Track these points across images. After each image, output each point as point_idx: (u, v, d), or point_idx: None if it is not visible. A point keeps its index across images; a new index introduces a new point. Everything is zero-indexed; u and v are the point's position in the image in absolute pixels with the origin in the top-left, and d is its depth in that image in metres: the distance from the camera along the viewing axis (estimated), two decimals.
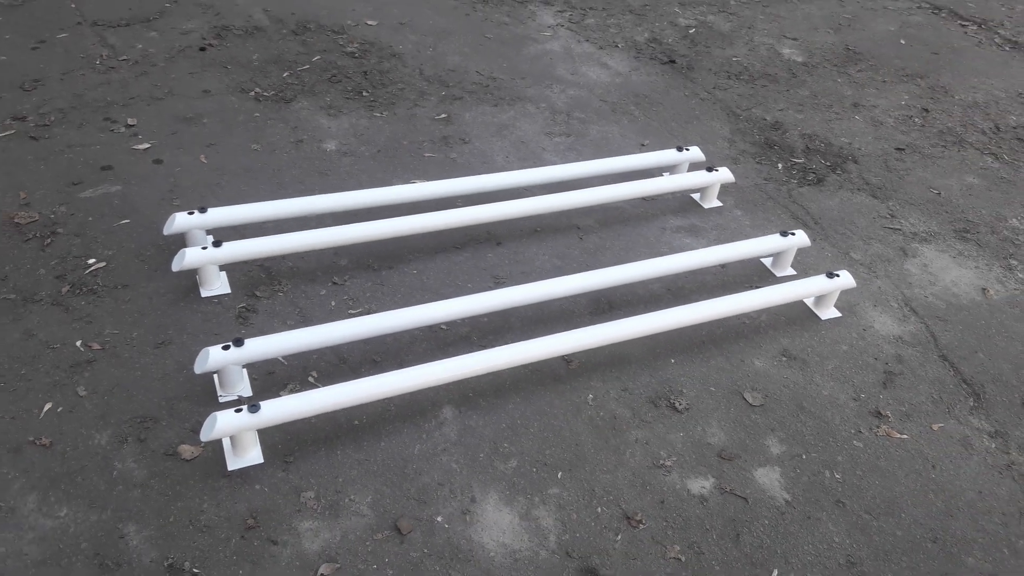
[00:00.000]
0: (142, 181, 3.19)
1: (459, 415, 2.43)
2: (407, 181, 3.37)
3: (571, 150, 3.71)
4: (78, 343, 2.51)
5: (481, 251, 3.05)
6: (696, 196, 3.51)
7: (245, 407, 2.17)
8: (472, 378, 2.50)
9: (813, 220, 3.46)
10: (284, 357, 2.54)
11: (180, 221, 2.77)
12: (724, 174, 3.41)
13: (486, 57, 4.39)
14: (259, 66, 4.06)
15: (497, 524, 2.17)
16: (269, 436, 2.31)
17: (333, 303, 2.76)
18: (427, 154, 3.56)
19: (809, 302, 3.00)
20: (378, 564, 2.05)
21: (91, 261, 2.80)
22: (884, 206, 3.60)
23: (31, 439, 2.23)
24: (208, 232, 2.91)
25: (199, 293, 2.74)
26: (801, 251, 3.23)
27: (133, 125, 3.52)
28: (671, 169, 3.59)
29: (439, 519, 2.17)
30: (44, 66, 3.85)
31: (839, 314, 2.98)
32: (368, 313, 2.73)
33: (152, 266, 2.80)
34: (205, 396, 2.39)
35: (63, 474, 2.16)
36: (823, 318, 2.96)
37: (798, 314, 2.96)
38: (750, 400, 2.60)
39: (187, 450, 2.24)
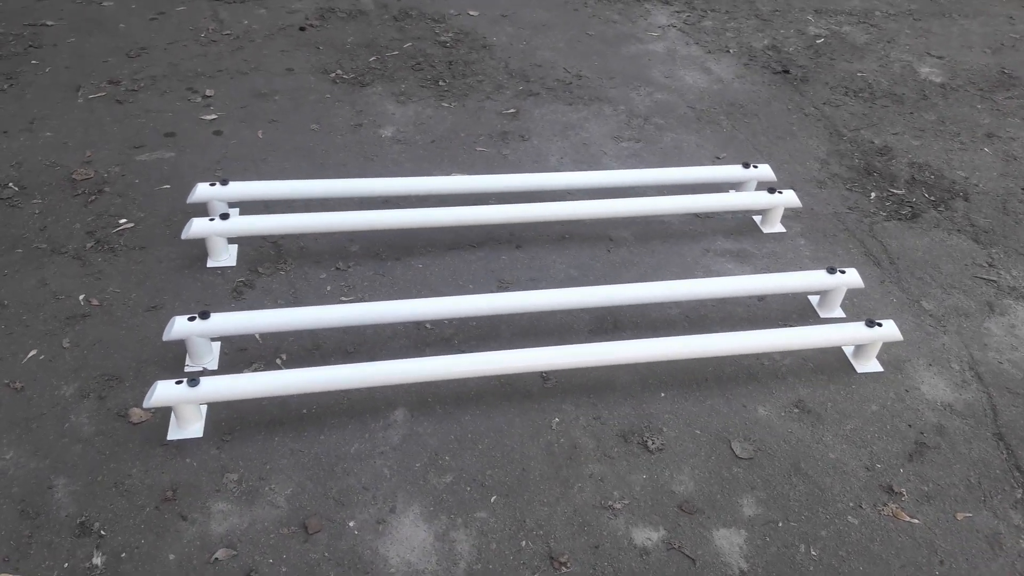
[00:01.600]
0: (197, 150, 3.32)
1: (410, 419, 2.33)
2: (448, 174, 3.29)
3: (635, 157, 3.49)
4: (81, 297, 2.63)
5: (496, 253, 2.92)
6: (758, 219, 3.19)
7: (185, 380, 2.17)
8: (434, 383, 2.38)
9: (889, 259, 3.05)
10: (260, 336, 2.54)
11: (201, 191, 2.84)
12: (788, 197, 3.07)
13: (579, 54, 4.23)
14: (350, 49, 4.12)
15: (409, 540, 2.05)
16: (217, 412, 2.31)
17: (329, 288, 2.74)
18: (480, 148, 3.46)
19: (848, 351, 2.64)
20: (275, 559, 2.00)
21: (122, 221, 2.94)
22: (984, 252, 3.12)
23: (6, 381, 2.35)
24: (231, 204, 2.97)
25: (206, 263, 2.79)
26: (859, 293, 2.85)
27: (210, 96, 3.67)
28: (736, 187, 3.28)
29: (351, 524, 2.08)
30: (154, 36, 4.10)
31: (880, 369, 2.60)
32: (360, 302, 2.68)
33: (174, 232, 2.89)
34: (175, 364, 2.43)
35: (22, 419, 2.26)
36: (859, 371, 2.60)
37: (830, 363, 2.61)
38: (737, 451, 2.32)
39: (137, 413, 2.28)
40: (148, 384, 2.36)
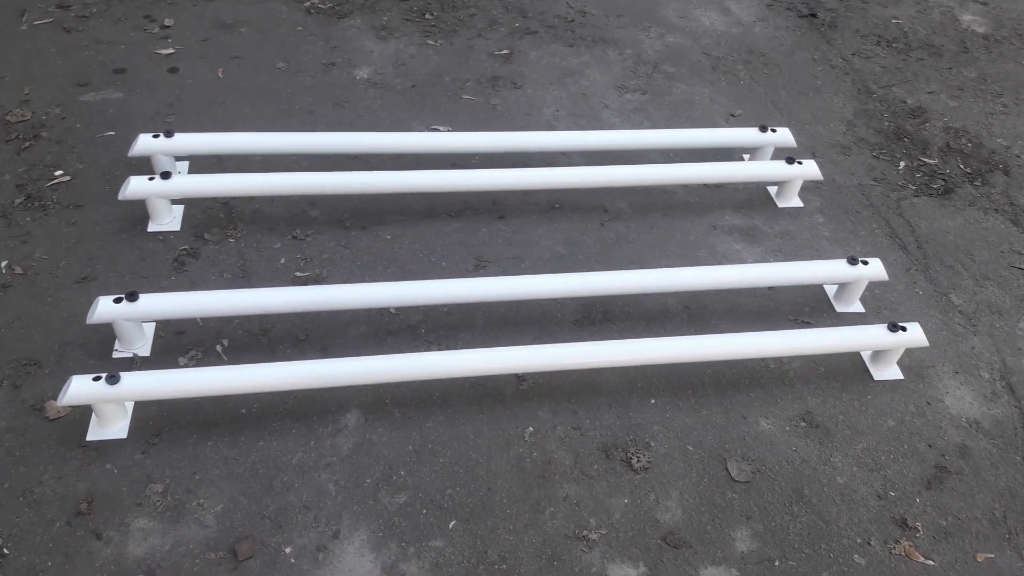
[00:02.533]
0: (148, 90, 2.96)
1: (363, 424, 2.05)
2: (428, 127, 2.93)
3: (639, 112, 3.12)
4: (3, 264, 2.32)
5: (476, 224, 2.60)
6: (773, 191, 2.84)
7: (104, 377, 1.89)
8: (398, 384, 2.10)
9: (917, 243, 2.71)
10: (201, 319, 2.24)
11: (143, 143, 2.51)
12: (808, 169, 2.72)
13: None
14: None
15: (352, 572, 1.80)
16: (146, 408, 2.04)
17: (283, 260, 2.43)
18: (466, 96, 3.09)
19: (866, 355, 2.34)
20: None
21: (58, 173, 2.62)
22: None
23: None
24: (179, 158, 2.63)
25: (147, 227, 2.47)
26: (881, 283, 2.52)
27: (168, 27, 3.29)
28: (752, 153, 2.92)
29: (287, 551, 1.82)
30: None
31: (900, 376, 2.30)
32: (317, 279, 2.38)
33: (114, 188, 2.56)
34: (102, 348, 2.15)
35: None
36: (877, 378, 2.30)
37: (844, 367, 2.31)
38: (733, 472, 2.04)
39: (54, 408, 2.01)
40: (69, 372, 2.07)
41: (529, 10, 3.63)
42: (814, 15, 3.82)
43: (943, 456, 2.14)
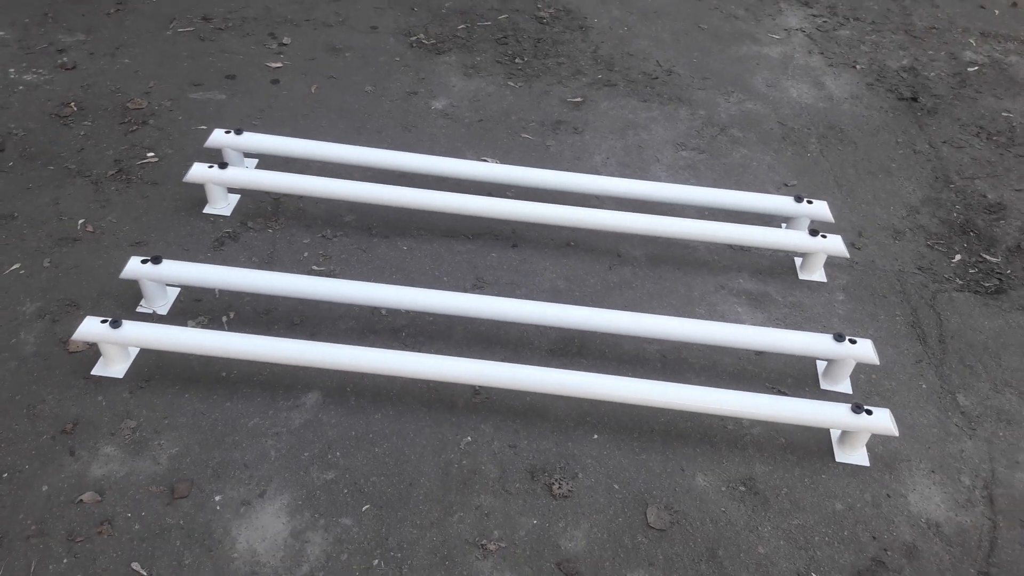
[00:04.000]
0: (248, 95, 3.37)
1: (320, 405, 2.25)
2: (479, 157, 3.14)
3: (689, 169, 3.18)
4: (80, 222, 2.74)
5: (488, 248, 2.76)
6: (799, 262, 2.81)
7: (109, 321, 2.21)
8: (359, 373, 2.28)
9: (940, 338, 2.59)
10: (218, 291, 2.54)
11: (215, 137, 2.87)
12: (831, 243, 2.68)
13: (681, 48, 3.90)
14: (443, 14, 4.03)
15: (264, 529, 1.99)
16: (147, 357, 2.34)
17: (306, 254, 2.70)
18: (525, 135, 3.28)
19: (834, 435, 2.28)
20: (132, 513, 2.00)
21: (150, 155, 3.04)
22: None
23: None
24: (249, 155, 2.98)
25: (203, 209, 2.83)
26: (880, 370, 2.45)
27: (285, 44, 3.71)
28: (787, 223, 2.91)
29: (217, 498, 2.04)
30: None
31: (866, 463, 2.22)
32: (329, 275, 2.62)
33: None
34: (130, 302, 2.49)
35: None
36: (839, 459, 2.23)
37: (807, 443, 2.26)
38: (651, 518, 2.06)
39: (75, 343, 2.35)
40: (99, 311, 2.41)
41: (617, 64, 3.77)
42: (915, 99, 3.71)
43: (885, 551, 2.05)
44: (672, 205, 2.88)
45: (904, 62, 3.95)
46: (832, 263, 2.82)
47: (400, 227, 2.81)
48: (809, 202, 2.82)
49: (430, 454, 2.17)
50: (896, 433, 2.15)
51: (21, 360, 2.31)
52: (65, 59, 3.49)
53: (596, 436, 2.24)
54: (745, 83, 3.70)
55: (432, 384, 2.31)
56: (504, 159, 3.13)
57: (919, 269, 2.84)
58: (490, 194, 2.87)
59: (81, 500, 2.02)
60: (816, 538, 2.05)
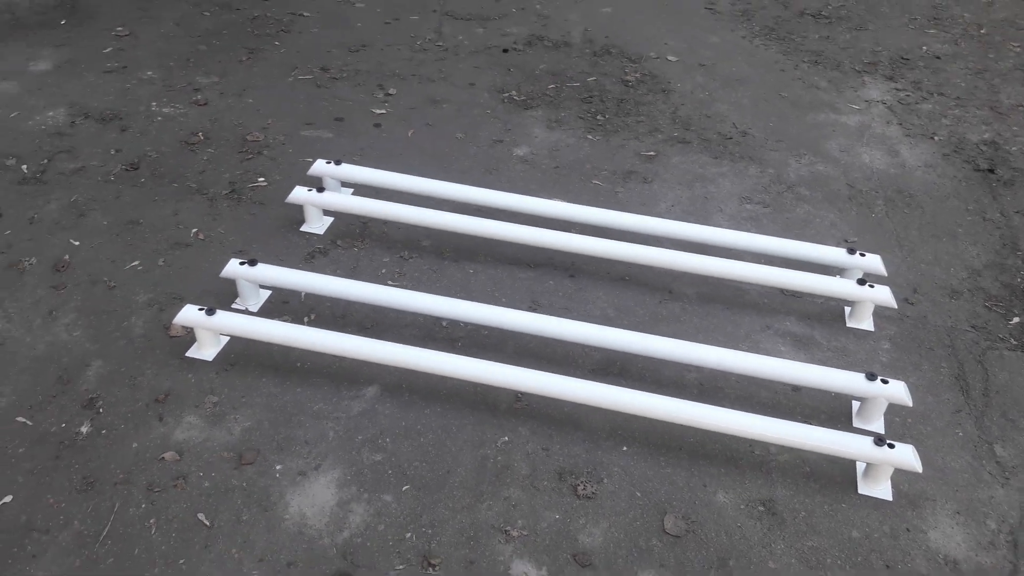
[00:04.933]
0: (352, 135, 3.76)
1: (377, 397, 2.50)
2: (549, 198, 3.40)
3: (751, 221, 3.34)
4: (194, 230, 3.14)
5: (546, 276, 2.99)
6: (848, 311, 2.91)
7: (205, 309, 2.55)
8: (417, 372, 2.51)
9: (984, 391, 2.63)
10: (305, 295, 2.85)
11: (317, 166, 3.25)
12: (879, 293, 2.78)
13: (759, 113, 4.09)
14: (537, 75, 4.37)
15: (314, 497, 2.23)
16: (236, 345, 2.66)
17: (384, 271, 3.00)
18: (596, 182, 3.53)
19: (860, 468, 2.36)
20: (204, 473, 2.28)
21: (260, 179, 3.44)
22: None
23: (106, 279, 2.90)
24: (346, 184, 3.34)
25: (300, 227, 3.18)
26: (918, 415, 2.52)
27: (391, 95, 4.11)
28: (840, 274, 3.02)
29: (278, 467, 2.31)
30: (379, 37, 4.67)
31: (888, 497, 2.28)
32: (401, 288, 2.90)
33: None
34: (227, 300, 2.83)
35: (100, 310, 2.78)
36: (861, 491, 2.30)
37: (832, 474, 2.35)
38: (667, 524, 2.20)
39: (176, 328, 2.70)
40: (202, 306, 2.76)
41: (694, 124, 3.99)
42: (992, 170, 3.76)
43: None
44: (727, 250, 3.03)
45: (986, 136, 4.00)
46: (883, 315, 2.89)
47: (469, 253, 3.07)
48: (862, 255, 2.92)
49: (469, 448, 2.37)
50: (919, 469, 2.21)
51: (129, 340, 2.67)
52: (199, 97, 3.99)
53: (625, 448, 2.39)
54: (818, 147, 3.84)
55: (479, 388, 2.52)
56: (574, 202, 3.37)
57: (972, 327, 2.88)
58: (552, 229, 3.09)
59: (163, 458, 2.31)
60: (828, 560, 2.13)
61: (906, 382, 2.58)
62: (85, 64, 4.24)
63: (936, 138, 3.97)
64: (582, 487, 2.27)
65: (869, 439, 2.23)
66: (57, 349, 2.63)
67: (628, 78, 4.36)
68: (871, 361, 2.70)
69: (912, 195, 3.55)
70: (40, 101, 3.91)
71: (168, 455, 2.32)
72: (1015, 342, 2.82)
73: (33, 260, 2.97)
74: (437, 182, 3.19)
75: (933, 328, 2.85)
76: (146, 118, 3.81)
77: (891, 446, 2.21)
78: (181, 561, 2.08)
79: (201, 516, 2.17)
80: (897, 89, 4.38)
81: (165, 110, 3.89)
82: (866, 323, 2.85)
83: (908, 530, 2.20)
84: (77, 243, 3.05)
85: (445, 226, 3.01)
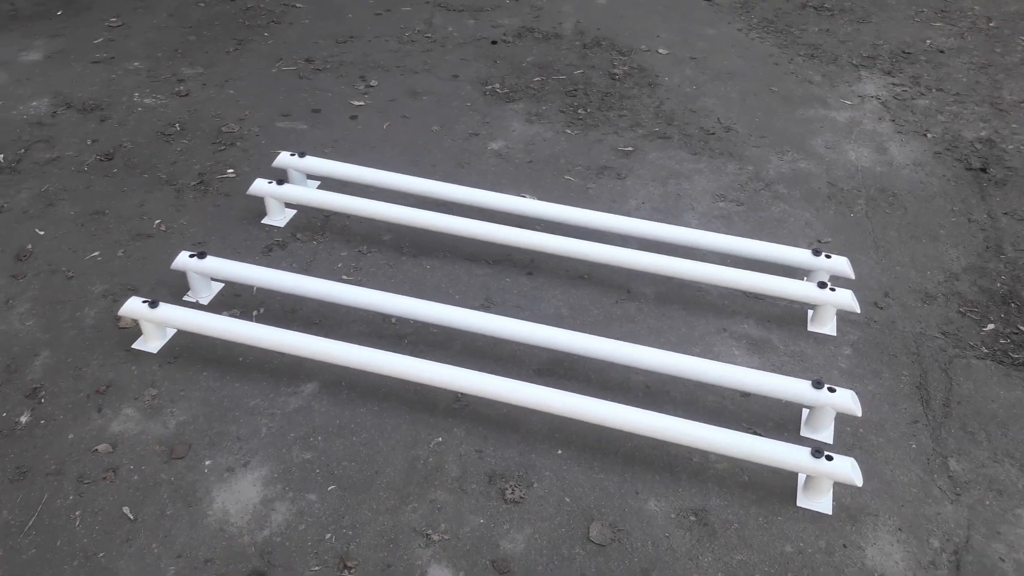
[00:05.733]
0: (327, 127, 3.74)
1: (315, 394, 2.49)
2: (519, 194, 3.35)
3: (722, 219, 3.26)
4: (157, 222, 3.15)
5: (504, 274, 2.94)
6: (811, 314, 2.83)
7: (148, 302, 2.55)
8: (356, 370, 2.48)
9: (944, 402, 2.54)
10: (257, 288, 2.84)
11: (282, 158, 3.23)
12: (841, 297, 2.69)
13: (746, 108, 3.99)
14: (523, 67, 4.31)
15: (239, 494, 2.22)
16: (182, 338, 2.66)
17: (340, 264, 2.98)
18: (568, 177, 3.47)
19: (801, 480, 2.28)
20: (134, 466, 2.28)
21: (229, 171, 3.44)
22: None
23: (65, 270, 2.92)
24: (310, 177, 3.33)
25: (262, 219, 3.18)
26: (871, 425, 2.43)
27: (372, 86, 4.09)
28: (807, 275, 2.93)
29: (207, 463, 2.30)
30: (368, 28, 4.65)
31: (828, 511, 2.21)
32: (355, 284, 2.88)
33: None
34: (180, 292, 2.83)
35: (55, 300, 2.80)
36: (799, 504, 2.23)
37: (771, 484, 2.28)
38: (593, 533, 2.15)
39: (125, 320, 2.71)
40: (156, 298, 2.76)
41: (678, 119, 3.90)
42: (984, 169, 3.63)
43: None
44: (691, 249, 2.95)
45: (982, 133, 3.86)
46: (849, 320, 2.81)
47: (428, 248, 3.04)
48: (828, 256, 2.83)
49: (401, 448, 2.34)
50: (859, 483, 2.14)
51: (80, 330, 2.68)
52: (181, 88, 4.00)
53: (560, 451, 2.34)
54: (803, 144, 3.74)
55: (418, 387, 2.49)
56: (543, 197, 3.31)
57: (943, 334, 2.78)
58: (517, 226, 3.03)
59: (96, 450, 2.32)
60: (757, 575, 2.06)
61: (864, 390, 2.51)
62: (75, 54, 4.27)
63: (929, 135, 3.84)
64: (511, 491, 2.23)
65: (807, 451, 2.15)
66: (8, 338, 2.65)
67: (616, 71, 4.29)
68: (829, 367, 2.62)
69: (896, 194, 3.44)
70: (26, 91, 3.95)
71: (102, 447, 2.32)
72: (986, 350, 2.72)
73: None
74: (401, 176, 3.16)
75: (900, 334, 2.76)
76: (127, 109, 3.83)
77: (829, 458, 2.13)
78: (101, 555, 2.07)
79: (126, 510, 2.17)
80: (894, 84, 4.24)
81: (147, 100, 3.90)
82: (828, 327, 2.76)
83: (845, 546, 2.13)
84: (42, 232, 3.08)
85: (404, 221, 2.98)
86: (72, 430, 2.37)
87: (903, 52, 4.54)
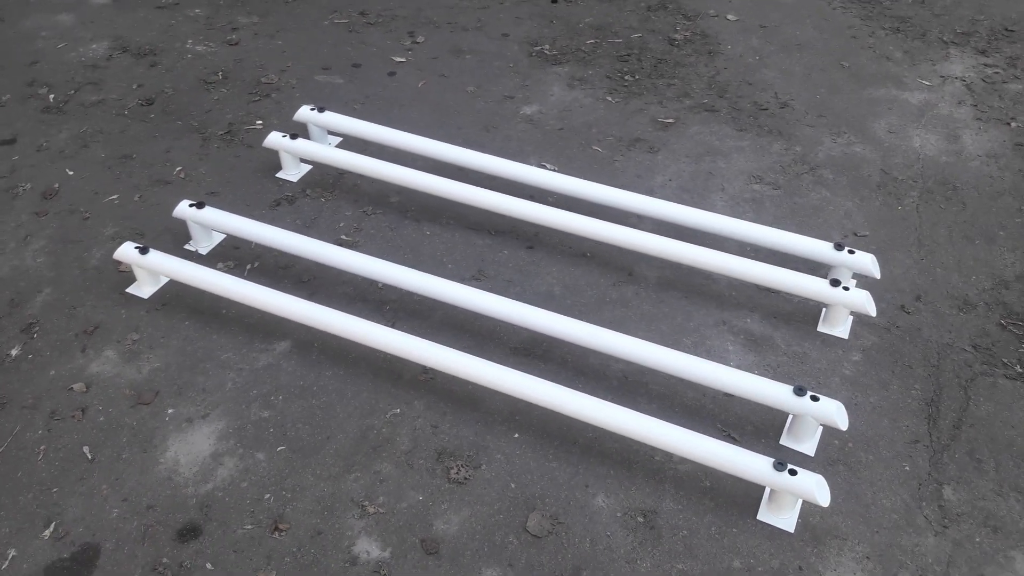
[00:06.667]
0: (362, 83, 3.71)
1: (286, 353, 2.48)
2: (540, 164, 3.23)
3: (753, 203, 3.04)
4: (178, 169, 3.20)
5: (504, 246, 2.84)
6: (824, 313, 2.61)
7: (139, 248, 2.60)
8: (329, 334, 2.45)
9: (955, 422, 2.30)
10: (255, 243, 2.85)
11: (301, 112, 3.22)
12: (855, 298, 2.46)
13: (809, 84, 3.70)
14: (579, 29, 4.14)
15: (192, 445, 2.25)
16: (175, 287, 2.70)
17: (343, 224, 2.95)
18: (596, 147, 3.32)
19: (766, 492, 2.12)
20: (103, 408, 2.34)
21: (258, 122, 3.46)
22: None
23: (83, 211, 3.01)
24: (330, 133, 3.30)
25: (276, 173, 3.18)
26: (860, 439, 2.23)
27: (418, 43, 4.02)
28: (829, 271, 2.71)
29: (170, 411, 2.34)
30: None
31: (790, 529, 2.04)
32: (351, 246, 2.85)
33: None
34: (182, 240, 2.87)
35: (69, 240, 2.90)
36: (759, 518, 2.07)
37: (734, 494, 2.12)
38: (531, 523, 2.06)
39: (125, 265, 2.77)
40: (157, 244, 2.82)
41: (731, 92, 3.66)
42: None
43: None
44: (701, 233, 2.76)
45: None
46: (869, 323, 2.57)
47: (433, 214, 2.97)
48: (851, 251, 2.59)
49: (357, 416, 2.30)
50: (823, 503, 1.96)
51: (83, 270, 2.76)
52: (233, 36, 4.04)
53: (517, 436, 2.25)
54: (863, 126, 3.43)
55: (388, 356, 2.43)
56: (566, 168, 3.18)
57: (973, 347, 2.51)
58: (531, 198, 2.91)
59: (72, 388, 2.39)
60: None
61: (864, 401, 2.31)
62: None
63: (1014, 124, 3.45)
64: (456, 471, 2.16)
65: (769, 461, 1.98)
66: (19, 273, 2.75)
67: (676, 36, 4.05)
68: (830, 373, 2.41)
69: (957, 188, 3.11)
70: (88, 33, 4.08)
71: (77, 386, 2.39)
72: (1020, 370, 2.43)
73: (28, 186, 3.12)
74: (415, 137, 3.09)
75: (923, 343, 2.50)
76: (178, 55, 3.90)
77: (793, 472, 1.96)
78: (55, 490, 2.14)
79: (86, 449, 2.23)
80: (986, 65, 3.84)
81: (198, 48, 3.96)
82: (840, 330, 2.54)
83: (800, 568, 1.95)
84: (71, 173, 3.18)
85: (409, 183, 2.91)
86: (55, 367, 2.44)
87: (1005, 30, 4.09)
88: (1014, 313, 2.62)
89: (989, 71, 3.80)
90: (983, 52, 3.93)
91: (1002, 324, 2.58)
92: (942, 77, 3.76)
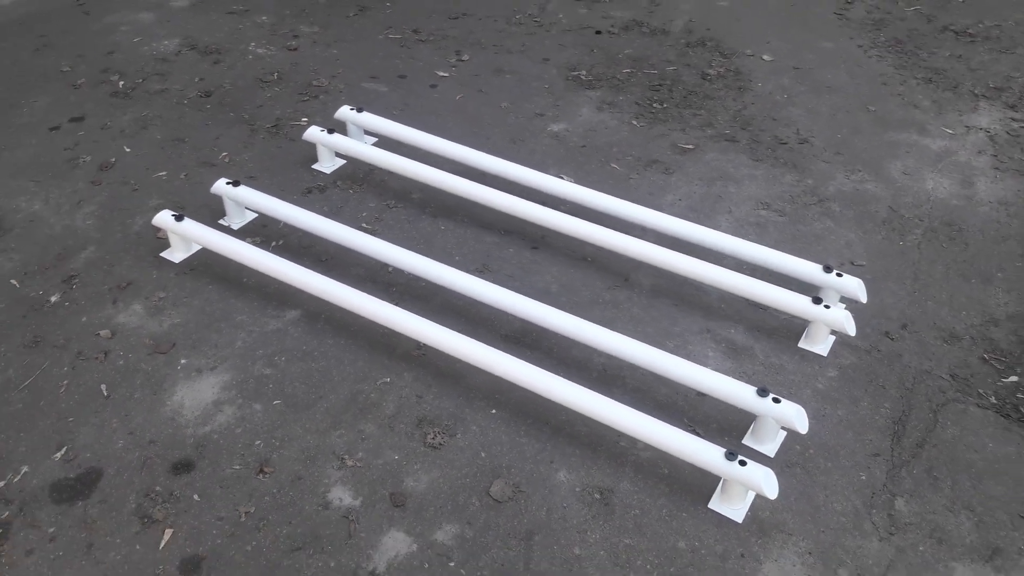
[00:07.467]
0: (404, 92, 3.96)
1: (295, 321, 2.69)
2: (559, 175, 3.41)
3: (757, 227, 3.16)
4: (224, 154, 3.48)
5: (510, 244, 3.02)
6: (807, 330, 2.71)
7: (175, 215, 2.85)
8: (336, 306, 2.64)
9: (918, 442, 2.37)
10: (283, 223, 3.09)
11: (341, 111, 3.47)
12: (834, 316, 2.56)
13: (832, 124, 3.82)
14: (618, 59, 4.34)
15: (197, 393, 2.46)
16: (206, 255, 2.94)
17: (365, 214, 3.17)
18: (614, 164, 3.49)
19: (721, 483, 2.23)
20: (123, 355, 2.58)
21: (303, 119, 3.73)
22: None
23: (132, 183, 3.30)
24: (367, 132, 3.55)
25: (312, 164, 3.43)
26: (823, 448, 2.32)
27: (463, 60, 4.27)
28: (818, 291, 2.81)
29: (183, 361, 2.56)
30: (482, 8, 4.82)
31: (737, 519, 2.15)
32: (371, 233, 3.06)
33: None
34: (217, 215, 3.13)
35: (116, 208, 3.17)
36: (710, 506, 2.18)
37: (690, 483, 2.23)
38: (493, 488, 2.21)
39: (163, 233, 3.04)
40: (194, 217, 3.06)
41: (755, 125, 3.80)
42: None
43: None
44: (698, 248, 2.89)
45: None
46: (850, 344, 2.66)
47: (449, 211, 3.16)
48: (839, 275, 2.69)
49: (350, 381, 2.48)
50: (771, 495, 2.05)
51: (125, 234, 3.02)
52: (293, 43, 4.34)
53: (494, 411, 2.40)
54: (879, 166, 3.53)
55: (386, 331, 2.62)
56: (583, 181, 3.34)
57: (951, 376, 2.57)
58: (544, 204, 3.08)
59: (99, 334, 2.63)
60: (639, 562, 2.04)
61: (832, 413, 2.40)
62: (215, 4, 4.74)
63: None
64: (433, 436, 2.31)
65: (721, 451, 2.09)
66: (70, 232, 3.03)
67: (710, 72, 4.21)
68: (803, 385, 2.50)
69: (961, 229, 3.18)
70: (163, 31, 4.43)
71: (103, 332, 2.63)
72: (995, 400, 2.49)
73: (88, 158, 3.42)
74: (443, 141, 3.30)
75: (900, 368, 2.58)
76: (240, 55, 4.21)
77: (743, 463, 2.06)
78: (70, 419, 2.36)
79: (103, 387, 2.45)
80: (1013, 119, 3.89)
81: (259, 50, 4.28)
82: (820, 347, 2.63)
83: (742, 555, 2.05)
84: (128, 150, 3.48)
85: (430, 181, 3.12)
86: (87, 314, 2.69)
87: None
88: (999, 349, 2.67)
89: (1015, 124, 3.86)
90: (1013, 107, 3.99)
91: (984, 358, 2.64)
92: (967, 127, 3.83)
